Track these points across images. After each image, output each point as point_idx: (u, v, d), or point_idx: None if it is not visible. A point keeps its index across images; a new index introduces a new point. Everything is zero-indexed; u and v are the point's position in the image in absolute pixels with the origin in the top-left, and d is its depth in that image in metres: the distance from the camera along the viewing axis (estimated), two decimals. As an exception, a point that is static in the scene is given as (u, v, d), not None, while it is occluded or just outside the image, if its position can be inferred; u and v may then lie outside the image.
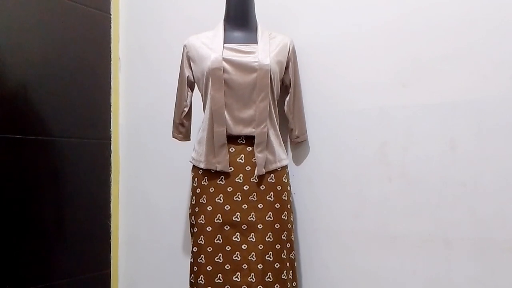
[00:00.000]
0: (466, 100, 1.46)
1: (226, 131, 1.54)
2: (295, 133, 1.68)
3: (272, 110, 1.58)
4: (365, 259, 1.61)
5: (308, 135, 1.72)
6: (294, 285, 1.60)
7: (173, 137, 1.76)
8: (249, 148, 1.56)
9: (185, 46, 1.66)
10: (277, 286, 1.51)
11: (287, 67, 1.65)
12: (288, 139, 1.75)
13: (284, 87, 1.68)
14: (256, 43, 1.59)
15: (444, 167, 1.50)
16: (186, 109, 1.71)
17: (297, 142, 1.71)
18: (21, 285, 1.80)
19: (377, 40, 1.60)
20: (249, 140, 1.56)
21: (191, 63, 1.65)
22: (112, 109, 2.22)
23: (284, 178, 1.60)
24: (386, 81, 1.59)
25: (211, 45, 1.58)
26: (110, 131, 2.21)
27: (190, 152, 1.66)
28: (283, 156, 1.62)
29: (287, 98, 1.67)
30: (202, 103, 1.64)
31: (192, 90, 1.71)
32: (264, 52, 1.55)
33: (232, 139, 1.56)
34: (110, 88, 2.22)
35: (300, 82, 1.69)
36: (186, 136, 1.76)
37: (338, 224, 1.67)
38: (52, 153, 1.97)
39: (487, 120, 1.44)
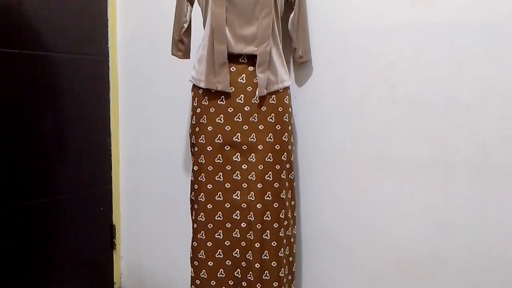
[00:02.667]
0: (477, 20, 1.40)
1: (227, 49, 1.49)
2: (299, 53, 1.63)
3: (275, 27, 1.52)
4: (364, 181, 1.63)
5: (312, 55, 1.66)
6: (292, 204, 1.63)
7: (172, 54, 1.71)
8: (250, 68, 1.52)
9: (184, -44, 1.56)
10: (276, 205, 1.54)
11: (292, -18, 1.56)
12: (291, 59, 1.70)
13: (289, 3, 1.60)
14: (260, -46, 1.49)
15: (450, 90, 1.47)
16: (186, 25, 1.64)
17: (300, 63, 1.67)
18: (23, 199, 1.85)
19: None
20: (251, 59, 1.52)
21: (191, -25, 1.56)
22: (109, 24, 2.15)
23: (286, 100, 1.58)
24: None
25: (212, -45, 1.48)
26: (107, 47, 2.15)
27: (191, 69, 1.62)
28: (285, 76, 1.58)
29: (291, 15, 1.60)
30: (202, 19, 1.58)
31: (191, 4, 1.64)
32: (268, -36, 1.46)
33: (233, 58, 1.51)
34: (106, 2, 2.13)
35: (305, -2, 1.61)
36: (185, 54, 1.71)
37: (339, 146, 1.67)
38: (50, 68, 1.94)
39: (497, 43, 1.38)
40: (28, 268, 1.87)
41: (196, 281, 1.58)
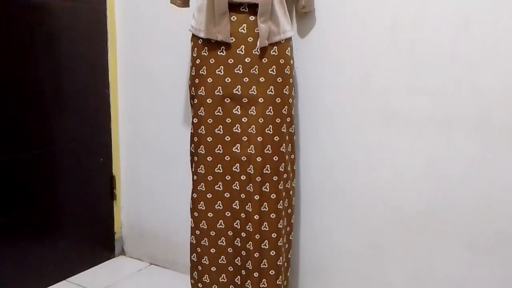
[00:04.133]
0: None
1: (228, -2, 1.45)
2: (302, 3, 1.58)
3: (278, -25, 1.47)
4: (365, 136, 1.63)
5: (315, 5, 1.61)
6: (292, 158, 1.64)
7: (171, 2, 1.66)
8: (251, 18, 1.48)
9: None
10: (275, 158, 1.54)
11: None
12: (294, 9, 1.65)
13: (292, -51, 1.54)
14: None
15: (455, 46, 1.44)
16: (185, -28, 1.59)
17: (303, 13, 1.62)
18: (22, 149, 1.84)
19: None
20: (252, 8, 1.47)
21: None
22: (105, -31, 2.07)
23: (288, 51, 1.54)
24: None
25: None
26: (104, -6, 2.09)
27: (190, 19, 1.58)
28: (287, 27, 1.54)
29: (295, -37, 1.54)
30: (202, -34, 1.52)
31: (191, -50, 1.58)
32: None
33: (234, 7, 1.47)
34: None
35: None
36: (184, 3, 1.66)
37: (340, 100, 1.65)
38: (47, 17, 1.88)
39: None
40: (28, 220, 1.89)
41: (196, 232, 1.60)
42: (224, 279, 1.60)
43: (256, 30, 1.48)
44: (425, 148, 1.53)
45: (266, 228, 1.54)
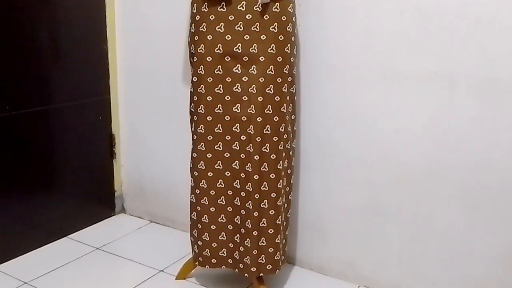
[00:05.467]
0: None
1: (229, -49, 1.39)
2: (305, -43, 1.53)
3: None
4: (367, 95, 1.61)
5: (319, -41, 1.56)
6: (292, 118, 1.62)
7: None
8: (253, -28, 1.43)
9: None
10: (276, 118, 1.52)
11: None
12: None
13: None
14: None
15: (461, 2, 1.40)
16: None
17: (306, -32, 1.56)
18: (21, 107, 1.82)
19: None
20: (254, -38, 1.42)
21: None
22: None
23: (290, 8, 1.50)
24: None
25: None
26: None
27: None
28: (290, -18, 1.49)
29: None
30: None
31: None
32: None
33: (235, -40, 1.42)
34: None
35: None
36: (184, -45, 1.60)
37: (343, 59, 1.62)
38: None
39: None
40: (28, 178, 1.90)
41: (196, 191, 1.61)
42: (224, 237, 1.62)
43: (258, -15, 1.43)
44: (427, 107, 1.52)
45: (266, 187, 1.54)
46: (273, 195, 1.55)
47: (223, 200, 1.60)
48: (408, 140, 1.57)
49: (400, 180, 1.61)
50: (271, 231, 1.57)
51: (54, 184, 2.02)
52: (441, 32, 1.45)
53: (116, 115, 2.21)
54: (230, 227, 1.62)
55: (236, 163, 1.56)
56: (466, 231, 1.53)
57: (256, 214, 1.54)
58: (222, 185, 1.59)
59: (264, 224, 1.56)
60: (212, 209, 1.61)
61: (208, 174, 1.59)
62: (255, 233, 1.56)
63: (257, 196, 1.54)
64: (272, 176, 1.54)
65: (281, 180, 1.56)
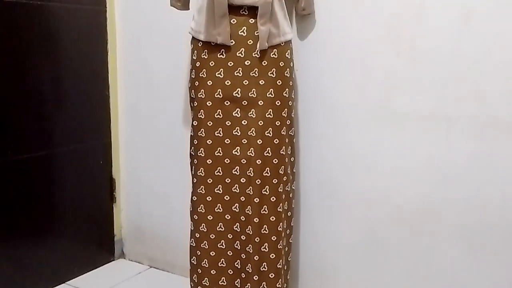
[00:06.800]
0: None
1: (228, 0, 1.44)
2: (301, 5, 1.58)
3: (278, -22, 1.46)
4: (364, 135, 1.62)
5: (315, 7, 1.61)
6: (292, 160, 1.63)
7: (171, 5, 1.66)
8: (251, 20, 1.48)
9: None
10: (275, 161, 1.54)
11: None
12: (294, 12, 1.64)
13: (292, -48, 1.54)
14: None
15: (455, 42, 1.44)
16: (185, -26, 1.58)
17: (303, 15, 1.61)
18: (22, 151, 1.84)
19: None
20: (252, 11, 1.47)
21: None
22: (105, -29, 2.07)
23: (288, 54, 1.54)
24: None
25: None
26: (104, -4, 2.09)
27: (190, 21, 1.58)
28: (287, 29, 1.53)
29: (295, -35, 1.54)
30: (201, -32, 1.51)
31: (191, -48, 1.57)
32: None
33: (234, 9, 1.46)
34: None
35: None
36: (184, 5, 1.65)
37: (340, 100, 1.65)
38: (46, 18, 1.88)
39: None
40: (27, 222, 1.89)
41: (196, 234, 1.60)
42: (224, 282, 1.60)
43: (256, 32, 1.47)
44: (424, 146, 1.53)
45: (266, 231, 1.53)
46: (274, 238, 1.54)
47: (223, 244, 1.59)
48: (407, 178, 1.58)
49: (399, 218, 1.60)
50: (272, 275, 1.55)
51: (53, 228, 2.00)
52: (436, 71, 1.48)
53: (117, 159, 2.22)
54: (230, 271, 1.59)
55: (236, 205, 1.56)
56: (466, 269, 1.51)
57: (256, 258, 1.53)
58: (222, 228, 1.58)
59: (265, 268, 1.54)
60: (212, 253, 1.59)
61: (208, 217, 1.58)
62: (256, 277, 1.54)
63: (257, 239, 1.53)
64: (272, 218, 1.54)
65: (281, 223, 1.55)
